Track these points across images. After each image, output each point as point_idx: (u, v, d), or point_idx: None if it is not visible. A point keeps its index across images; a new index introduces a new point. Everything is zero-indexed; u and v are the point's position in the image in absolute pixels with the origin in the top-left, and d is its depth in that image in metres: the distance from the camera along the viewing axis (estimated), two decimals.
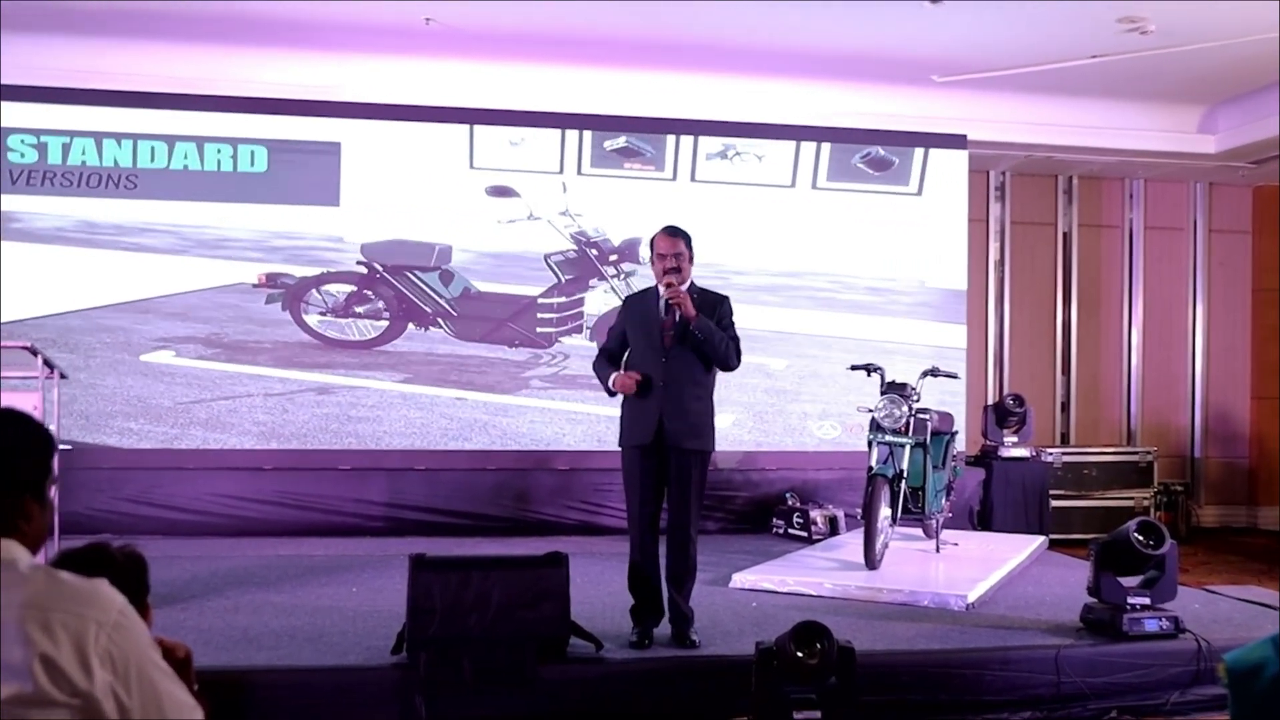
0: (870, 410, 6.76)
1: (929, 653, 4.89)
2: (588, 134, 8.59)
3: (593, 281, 8.63)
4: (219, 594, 5.81)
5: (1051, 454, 9.25)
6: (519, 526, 8.00)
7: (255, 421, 8.09)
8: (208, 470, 7.90)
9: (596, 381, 5.32)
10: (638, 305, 5.17)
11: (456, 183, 8.45)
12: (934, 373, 7.07)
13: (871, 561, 6.32)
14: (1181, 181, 10.54)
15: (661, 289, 5.02)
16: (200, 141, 8.12)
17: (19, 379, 5.80)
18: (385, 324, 8.42)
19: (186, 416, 8.02)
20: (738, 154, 8.71)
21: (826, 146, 8.82)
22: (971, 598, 5.78)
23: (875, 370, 7.01)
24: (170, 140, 8.07)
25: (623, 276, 8.57)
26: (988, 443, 9.02)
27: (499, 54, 8.16)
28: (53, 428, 5.89)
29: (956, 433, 7.62)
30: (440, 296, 8.46)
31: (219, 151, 8.15)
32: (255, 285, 8.24)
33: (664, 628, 4.98)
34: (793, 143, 8.81)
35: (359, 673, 4.45)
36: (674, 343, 4.98)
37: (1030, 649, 4.94)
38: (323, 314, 8.35)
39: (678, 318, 4.98)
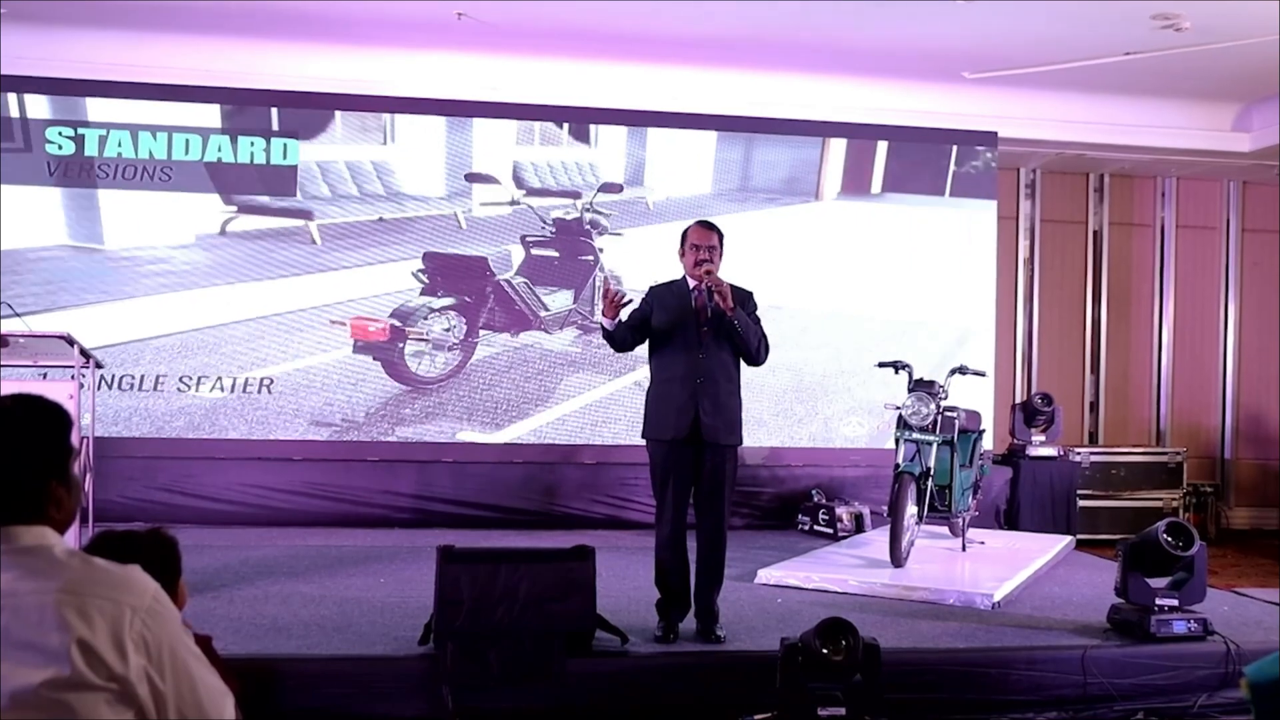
0: (898, 407, 6.76)
1: (954, 651, 4.88)
2: (617, 129, 8.65)
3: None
4: (248, 583, 5.87)
5: (1079, 453, 9.19)
6: (546, 520, 8.03)
7: (290, 411, 8.16)
8: (239, 460, 7.96)
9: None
10: (667, 296, 5.11)
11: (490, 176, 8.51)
12: (962, 371, 7.04)
13: (897, 559, 6.30)
14: (1215, 180, 10.44)
15: (692, 280, 5.03)
16: (234, 134, 8.18)
17: (56, 367, 5.87)
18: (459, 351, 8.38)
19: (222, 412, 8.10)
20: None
21: None
22: (998, 597, 5.77)
23: (903, 368, 6.99)
24: (204, 133, 8.13)
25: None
26: (1015, 441, 8.98)
27: (530, 49, 8.18)
28: (87, 417, 5.98)
29: (984, 431, 7.59)
30: (539, 299, 8.46)
31: (252, 144, 8.21)
32: (358, 342, 8.18)
33: (689, 622, 5.00)
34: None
35: (386, 663, 4.49)
36: (709, 336, 4.98)
37: (1057, 649, 4.93)
38: (449, 349, 8.27)
39: (711, 311, 4.98)
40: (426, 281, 8.34)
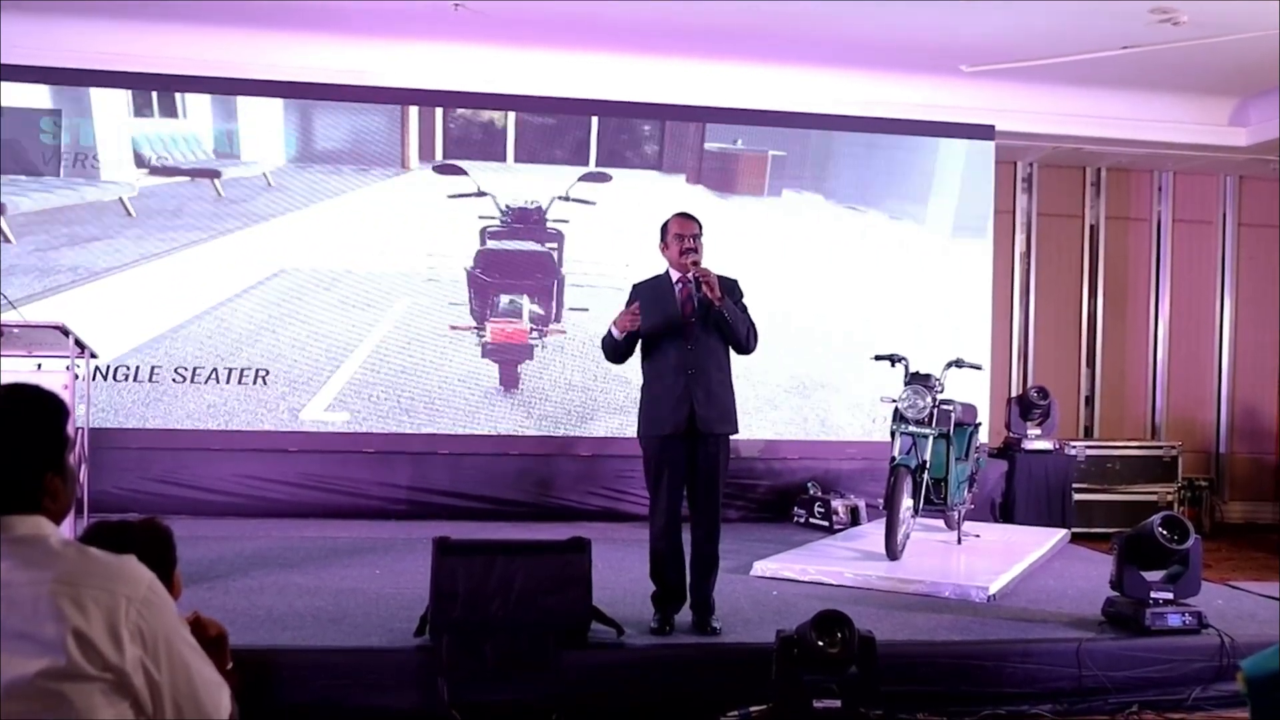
0: (894, 401, 6.76)
1: (950, 644, 4.89)
2: (611, 121, 8.65)
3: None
4: (243, 574, 5.87)
5: (1075, 447, 9.19)
6: (541, 512, 8.03)
7: (284, 405, 8.15)
8: (233, 451, 7.95)
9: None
10: (649, 292, 5.08)
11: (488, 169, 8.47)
12: (958, 364, 7.04)
13: (893, 552, 6.31)
14: (1211, 174, 10.45)
15: (676, 272, 5.03)
16: (228, 127, 8.15)
17: (50, 357, 5.85)
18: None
19: (221, 406, 8.08)
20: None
21: None
22: (993, 590, 5.78)
23: (899, 361, 6.99)
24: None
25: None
26: (1011, 435, 8.99)
27: (528, 40, 8.15)
28: (82, 407, 5.97)
29: (980, 424, 7.59)
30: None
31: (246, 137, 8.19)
32: (486, 344, 8.20)
33: (685, 615, 5.00)
34: None
35: (381, 654, 4.49)
36: (697, 327, 4.97)
37: (1052, 642, 4.93)
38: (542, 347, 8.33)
39: (697, 302, 4.96)
40: (488, 279, 8.28)
